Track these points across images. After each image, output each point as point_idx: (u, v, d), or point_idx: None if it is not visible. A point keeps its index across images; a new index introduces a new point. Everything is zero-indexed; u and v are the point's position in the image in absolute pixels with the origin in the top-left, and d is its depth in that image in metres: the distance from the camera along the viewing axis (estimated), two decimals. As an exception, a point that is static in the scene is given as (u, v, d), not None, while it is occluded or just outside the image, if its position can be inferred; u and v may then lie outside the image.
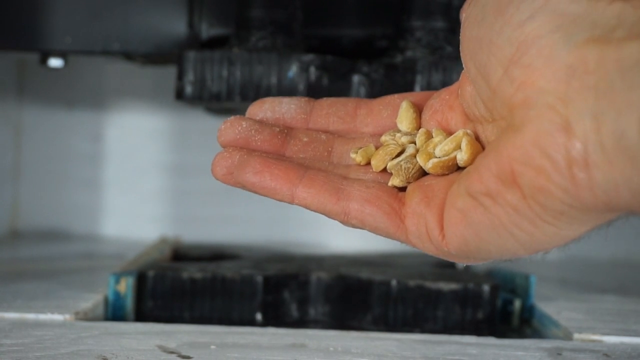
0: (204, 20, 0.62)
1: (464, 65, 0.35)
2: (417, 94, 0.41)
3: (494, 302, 0.55)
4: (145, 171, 0.90)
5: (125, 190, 0.90)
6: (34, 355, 0.42)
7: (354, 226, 0.37)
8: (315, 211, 0.37)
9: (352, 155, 0.39)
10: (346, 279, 0.57)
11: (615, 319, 0.54)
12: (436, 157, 0.36)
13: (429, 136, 0.38)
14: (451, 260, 0.37)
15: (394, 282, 0.56)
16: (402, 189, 0.37)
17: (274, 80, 0.56)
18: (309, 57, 0.56)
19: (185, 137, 0.90)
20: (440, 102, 0.39)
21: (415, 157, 0.37)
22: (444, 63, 0.56)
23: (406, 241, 0.37)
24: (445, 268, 0.65)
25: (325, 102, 0.41)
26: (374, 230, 0.37)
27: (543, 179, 0.30)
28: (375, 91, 0.56)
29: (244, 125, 0.39)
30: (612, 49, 0.29)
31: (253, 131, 0.39)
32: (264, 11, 0.57)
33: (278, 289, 0.57)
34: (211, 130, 0.88)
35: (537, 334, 0.56)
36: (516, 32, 0.32)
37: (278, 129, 0.40)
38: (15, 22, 0.62)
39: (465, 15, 0.34)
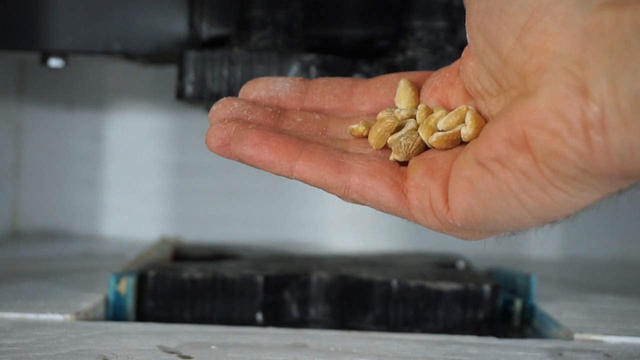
0: (205, 20, 0.62)
1: (469, 40, 0.35)
2: (415, 73, 0.40)
3: (494, 302, 0.55)
4: (145, 171, 0.90)
5: (125, 190, 0.90)
6: (34, 355, 0.42)
7: (354, 201, 0.37)
8: (314, 185, 0.37)
9: (353, 127, 0.38)
10: (347, 279, 0.57)
11: (616, 319, 0.54)
12: (440, 131, 0.36)
13: (429, 112, 0.37)
14: (454, 234, 0.36)
15: (394, 282, 0.56)
16: (404, 163, 0.37)
17: (274, 80, 0.56)
18: (309, 57, 0.56)
19: (186, 137, 0.90)
20: (440, 80, 0.38)
21: (415, 132, 0.37)
22: (445, 63, 0.55)
23: (408, 216, 0.36)
24: (445, 268, 0.65)
25: (321, 80, 0.41)
26: (375, 204, 0.36)
27: (558, 142, 0.30)
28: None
29: (236, 106, 0.39)
30: (629, 11, 0.29)
31: (245, 111, 0.39)
32: (265, 11, 0.57)
33: (278, 289, 0.57)
34: (211, 130, 0.88)
35: (537, 334, 0.56)
36: (529, 0, 0.31)
37: (271, 110, 0.39)
38: (15, 22, 0.62)
39: None
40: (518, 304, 0.58)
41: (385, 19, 0.61)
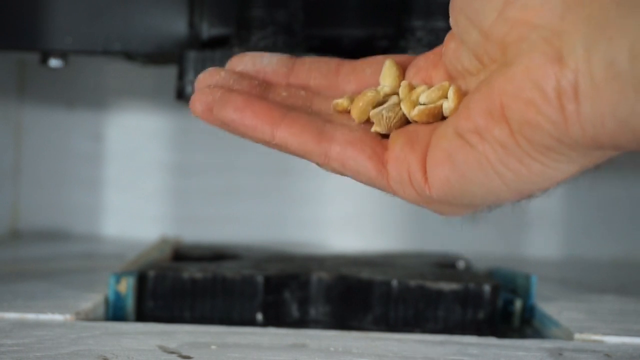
0: (205, 20, 0.62)
1: (452, 23, 0.35)
2: (402, 56, 0.41)
3: (494, 302, 0.55)
4: (145, 171, 0.90)
5: (125, 190, 0.90)
6: (34, 355, 0.42)
7: (333, 170, 0.37)
8: (294, 152, 0.37)
9: (337, 101, 0.38)
10: (347, 279, 0.57)
11: (616, 319, 0.54)
12: (422, 104, 0.36)
13: (412, 88, 0.38)
14: (431, 208, 0.36)
15: (394, 282, 0.56)
16: (386, 136, 0.37)
17: (274, 80, 0.56)
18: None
19: (186, 137, 0.90)
20: (425, 61, 0.39)
21: (397, 106, 0.37)
22: (445, 63, 0.55)
23: (386, 187, 0.36)
24: (445, 268, 0.65)
25: (308, 59, 0.41)
26: (355, 174, 0.36)
27: (532, 111, 0.30)
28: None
29: (223, 75, 0.39)
30: None
31: (232, 81, 0.39)
32: (265, 11, 0.57)
33: (279, 289, 0.57)
34: (212, 131, 0.88)
35: (538, 334, 0.56)
36: None
37: (257, 82, 0.39)
38: (15, 22, 0.62)
39: None
40: (518, 304, 0.58)
41: (385, 19, 0.61)
